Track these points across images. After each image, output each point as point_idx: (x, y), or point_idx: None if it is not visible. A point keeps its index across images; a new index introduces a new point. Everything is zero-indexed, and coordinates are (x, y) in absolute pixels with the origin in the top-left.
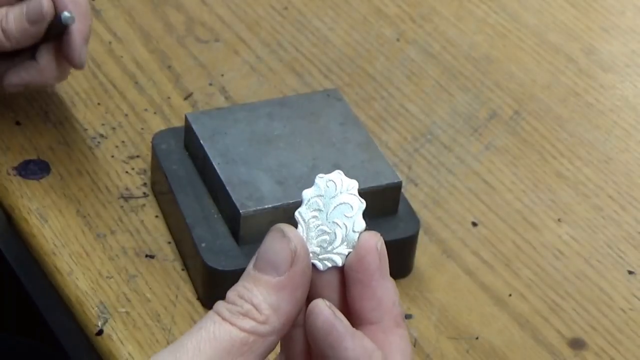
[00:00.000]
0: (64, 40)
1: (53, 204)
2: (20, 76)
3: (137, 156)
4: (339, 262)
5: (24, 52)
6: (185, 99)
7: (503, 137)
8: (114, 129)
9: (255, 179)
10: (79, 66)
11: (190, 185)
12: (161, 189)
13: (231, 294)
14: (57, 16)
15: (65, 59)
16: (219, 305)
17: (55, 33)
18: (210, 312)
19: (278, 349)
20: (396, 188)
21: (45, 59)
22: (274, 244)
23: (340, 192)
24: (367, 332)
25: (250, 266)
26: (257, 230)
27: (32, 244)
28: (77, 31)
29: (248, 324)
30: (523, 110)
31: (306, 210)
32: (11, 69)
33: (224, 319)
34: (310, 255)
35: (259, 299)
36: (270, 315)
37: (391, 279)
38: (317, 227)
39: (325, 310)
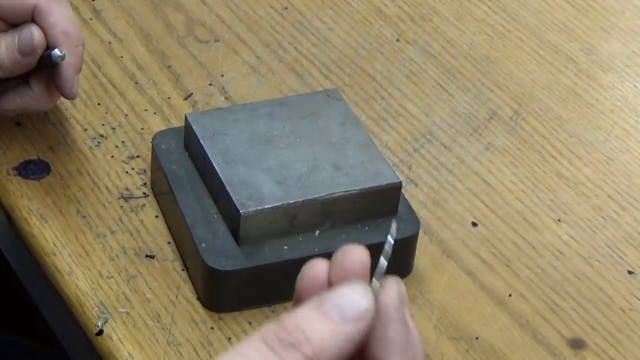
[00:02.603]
0: (55, 71)
1: (53, 204)
2: (15, 102)
3: (137, 156)
4: None
5: (18, 77)
6: (185, 99)
7: (503, 137)
8: (114, 129)
9: (255, 179)
10: (70, 98)
11: (190, 185)
12: (161, 189)
13: (288, 322)
14: (48, 49)
15: (56, 89)
16: (269, 335)
17: (46, 64)
18: (257, 340)
19: None
20: (396, 188)
21: (39, 87)
22: (353, 295)
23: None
24: None
25: (315, 302)
26: (257, 230)
27: (32, 244)
28: (68, 64)
29: (294, 357)
30: (523, 110)
31: None
32: (6, 95)
33: (272, 350)
34: None
35: (315, 335)
36: (318, 354)
37: (412, 331)
38: None
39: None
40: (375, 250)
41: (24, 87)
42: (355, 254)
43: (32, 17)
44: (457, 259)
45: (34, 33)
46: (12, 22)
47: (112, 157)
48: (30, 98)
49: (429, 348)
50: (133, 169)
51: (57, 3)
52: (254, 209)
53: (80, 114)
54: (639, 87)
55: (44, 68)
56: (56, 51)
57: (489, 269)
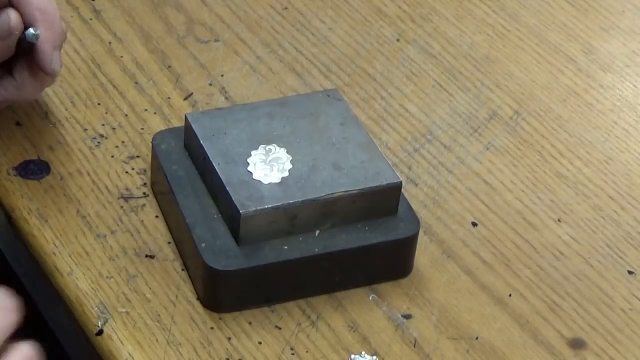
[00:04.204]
0: (34, 51)
1: (53, 204)
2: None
3: (137, 156)
4: None
5: (0, 68)
6: (185, 99)
7: (503, 137)
8: (114, 129)
9: (255, 178)
10: (51, 73)
11: (190, 185)
12: (161, 189)
13: None
14: (24, 31)
15: (38, 67)
16: None
17: (26, 47)
18: None
19: None
20: (396, 188)
21: (22, 75)
22: None
23: None
24: None
25: None
26: (257, 230)
27: (32, 244)
28: (45, 40)
29: None
30: (523, 110)
31: None
32: None
33: None
34: None
35: None
36: None
37: None
38: None
39: None
40: (375, 250)
41: (7, 77)
42: None
43: (9, 2)
44: (457, 259)
45: (11, 15)
46: None
47: (112, 157)
48: (13, 88)
49: (429, 348)
50: (133, 169)
51: None
52: (254, 209)
53: (80, 114)
54: (639, 87)
55: (25, 55)
56: (30, 30)
57: (489, 269)
